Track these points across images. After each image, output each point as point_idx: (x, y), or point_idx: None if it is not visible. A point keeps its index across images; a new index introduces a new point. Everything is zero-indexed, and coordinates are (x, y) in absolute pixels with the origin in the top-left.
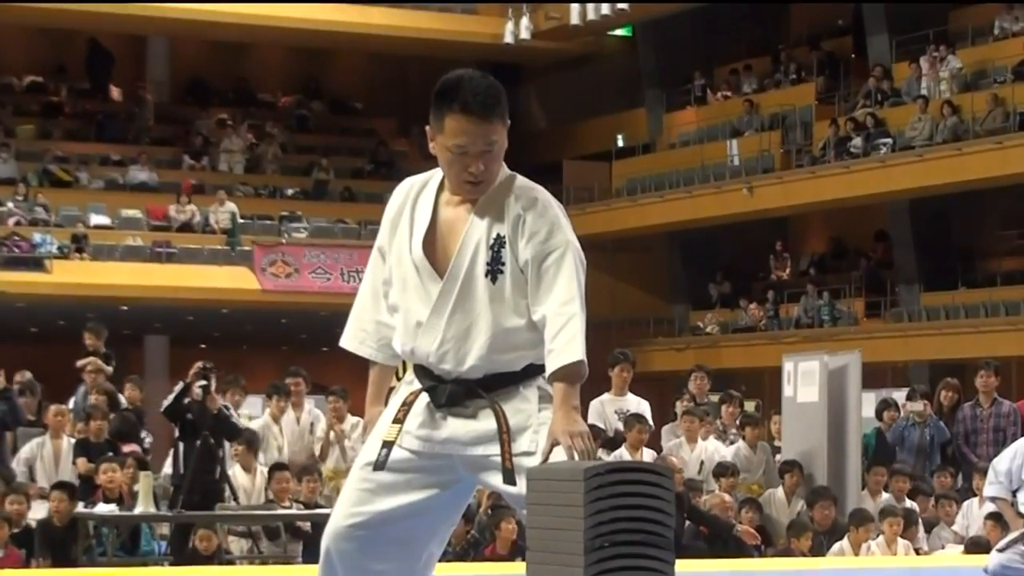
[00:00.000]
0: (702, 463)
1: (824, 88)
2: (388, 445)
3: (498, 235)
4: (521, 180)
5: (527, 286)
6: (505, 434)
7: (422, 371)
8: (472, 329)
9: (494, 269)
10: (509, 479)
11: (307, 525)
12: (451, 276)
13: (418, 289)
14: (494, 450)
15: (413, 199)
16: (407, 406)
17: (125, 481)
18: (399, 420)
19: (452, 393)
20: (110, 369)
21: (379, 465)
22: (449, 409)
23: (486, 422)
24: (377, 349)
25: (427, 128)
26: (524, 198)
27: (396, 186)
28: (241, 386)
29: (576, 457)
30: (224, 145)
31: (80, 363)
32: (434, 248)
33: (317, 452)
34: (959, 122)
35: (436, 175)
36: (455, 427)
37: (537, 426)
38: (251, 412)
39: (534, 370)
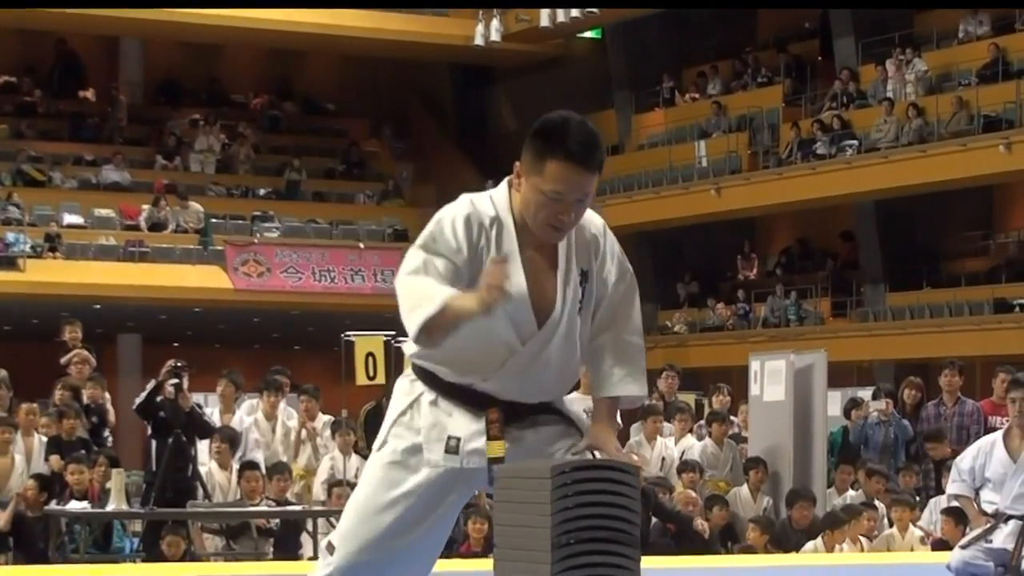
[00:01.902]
0: (663, 460)
1: (791, 90)
2: (496, 461)
3: (583, 271)
4: (590, 213)
5: (592, 315)
6: (578, 434)
7: (479, 396)
8: (553, 364)
9: (583, 306)
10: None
11: (276, 523)
12: (552, 321)
13: (507, 326)
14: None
15: (491, 234)
16: (494, 423)
17: (97, 479)
18: (497, 437)
19: (519, 412)
20: (95, 361)
21: (491, 481)
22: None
23: (547, 429)
24: None
25: (516, 164)
26: (595, 228)
27: (367, 187)
28: (233, 380)
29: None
30: (197, 145)
31: (65, 358)
32: (528, 289)
33: (288, 451)
34: (924, 124)
35: (500, 204)
36: (519, 437)
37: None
38: (211, 410)
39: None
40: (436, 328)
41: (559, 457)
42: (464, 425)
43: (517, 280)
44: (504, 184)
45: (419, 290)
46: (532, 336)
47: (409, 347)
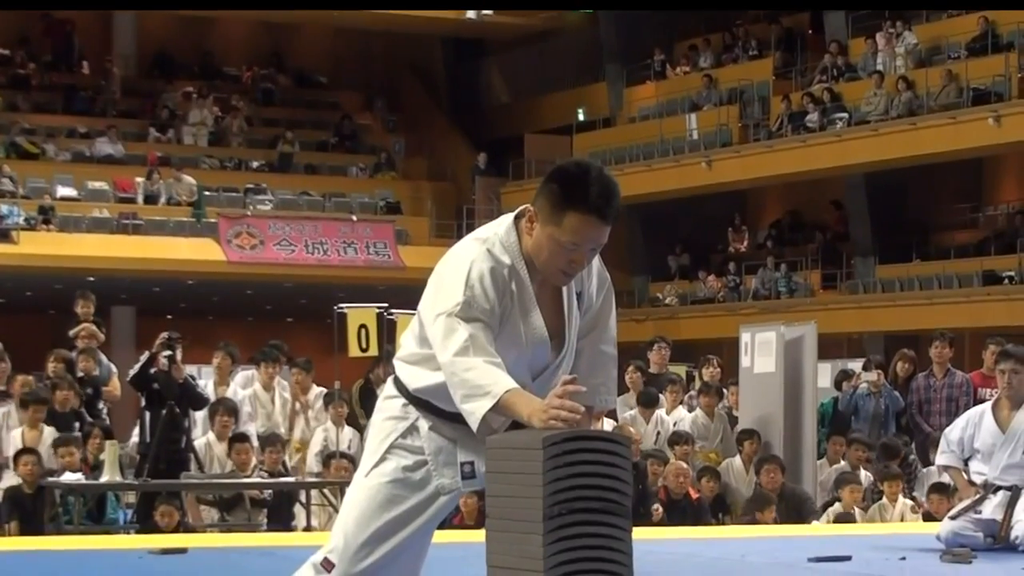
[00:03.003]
0: (658, 434)
1: (781, 63)
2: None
3: (577, 293)
4: None
5: None
6: None
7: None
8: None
9: (578, 325)
10: None
11: (268, 493)
12: (563, 352)
13: (524, 364)
14: None
15: (512, 286)
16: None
17: (92, 451)
18: None
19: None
20: (102, 336)
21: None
22: None
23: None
24: None
25: (530, 208)
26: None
27: (360, 159)
28: (229, 352)
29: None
30: (190, 118)
31: (73, 331)
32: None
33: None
34: (914, 97)
35: (512, 250)
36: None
37: None
38: (204, 382)
39: None
40: (491, 420)
41: None
42: (473, 447)
43: (537, 324)
44: (508, 223)
45: (472, 379)
46: (545, 370)
47: (408, 379)
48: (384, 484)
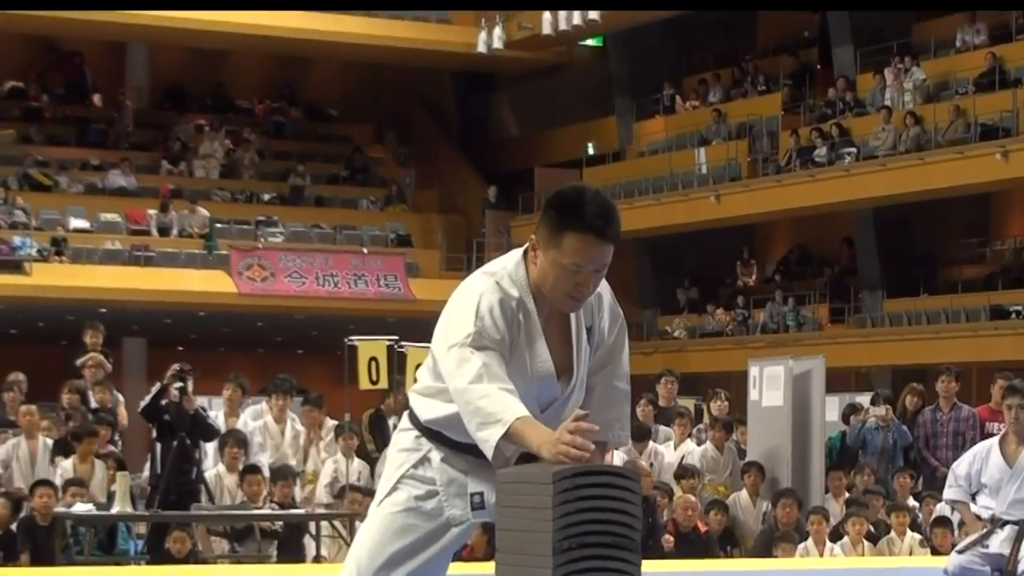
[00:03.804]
0: (651, 465)
1: (790, 98)
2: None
3: (587, 327)
4: None
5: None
6: None
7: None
8: (567, 416)
9: (587, 360)
10: None
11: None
12: (571, 387)
13: (532, 397)
14: None
15: (520, 317)
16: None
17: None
18: None
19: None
20: (110, 366)
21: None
22: None
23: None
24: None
25: (532, 237)
26: (602, 289)
27: (370, 192)
28: (239, 383)
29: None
30: (202, 150)
31: (80, 360)
32: (552, 362)
33: (297, 454)
34: (922, 132)
35: (520, 283)
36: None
37: None
38: (215, 413)
39: None
40: (504, 448)
41: None
42: (484, 478)
43: (543, 357)
44: (518, 257)
45: (485, 407)
46: (553, 403)
47: (421, 411)
48: (396, 513)
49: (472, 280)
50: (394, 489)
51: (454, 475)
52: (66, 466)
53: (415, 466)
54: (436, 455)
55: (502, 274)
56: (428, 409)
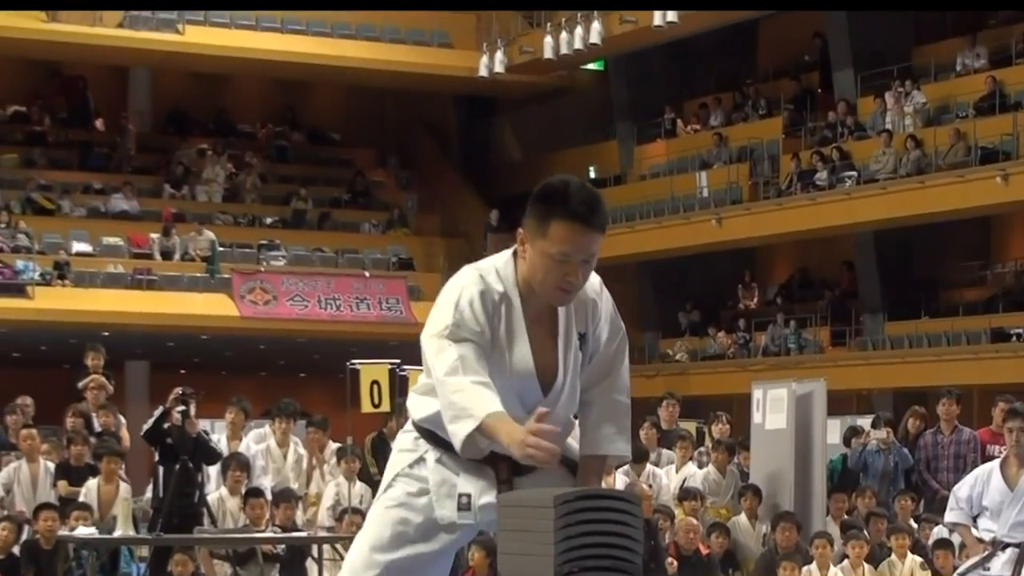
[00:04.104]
0: (651, 487)
1: (791, 122)
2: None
3: (580, 334)
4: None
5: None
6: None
7: (493, 457)
8: (557, 423)
9: (578, 367)
10: None
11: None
12: (556, 389)
13: (514, 396)
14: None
15: (502, 311)
16: (505, 483)
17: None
18: (506, 481)
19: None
20: (111, 388)
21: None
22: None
23: (551, 476)
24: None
25: (519, 231)
26: (592, 290)
27: (372, 216)
28: (242, 407)
29: None
30: (204, 174)
31: (82, 383)
32: (534, 362)
33: (300, 478)
34: (922, 156)
35: (507, 279)
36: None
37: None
38: (218, 437)
39: None
40: (478, 440)
41: None
42: (473, 481)
43: (524, 354)
44: (508, 255)
45: (458, 400)
46: (537, 405)
47: (415, 410)
48: (390, 508)
49: (459, 273)
50: (390, 486)
51: (447, 476)
52: (91, 485)
53: (411, 466)
54: (432, 456)
55: (488, 268)
56: (421, 407)
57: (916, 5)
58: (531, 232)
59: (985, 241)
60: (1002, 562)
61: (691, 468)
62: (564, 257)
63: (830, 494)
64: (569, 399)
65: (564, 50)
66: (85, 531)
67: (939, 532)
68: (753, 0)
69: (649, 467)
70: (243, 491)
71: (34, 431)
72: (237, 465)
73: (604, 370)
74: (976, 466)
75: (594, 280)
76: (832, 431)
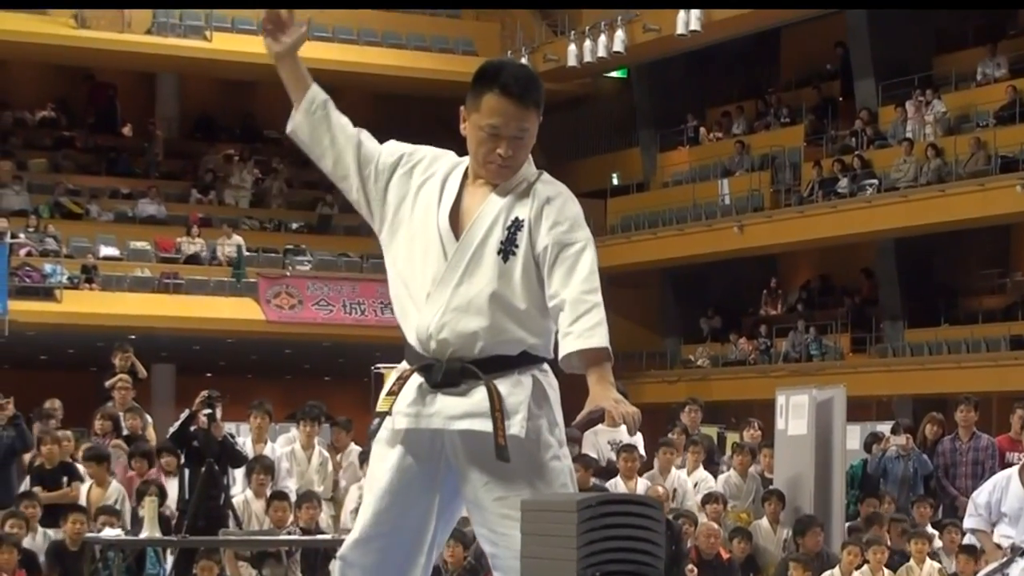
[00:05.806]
0: (674, 490)
1: (812, 130)
2: (381, 415)
3: (516, 218)
4: (548, 176)
5: (537, 274)
6: (498, 412)
7: (417, 354)
8: (475, 302)
9: (506, 249)
10: (502, 455)
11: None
12: (461, 247)
13: (429, 260)
14: (486, 427)
15: (444, 174)
16: (402, 380)
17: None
18: (394, 392)
19: (448, 372)
20: (143, 371)
21: (371, 434)
22: (442, 388)
23: (478, 399)
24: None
25: (461, 108)
26: (550, 189)
27: None
28: (265, 410)
29: (621, 422)
30: (231, 180)
31: (110, 382)
32: (455, 223)
33: (325, 481)
34: (943, 164)
35: (459, 167)
36: (446, 402)
37: (529, 414)
38: (243, 440)
39: (530, 359)
40: (287, 86)
41: (464, 430)
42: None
43: (440, 210)
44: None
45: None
46: (454, 254)
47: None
48: (377, 442)
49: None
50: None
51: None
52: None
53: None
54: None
55: (455, 155)
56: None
57: (939, 4)
58: (468, 108)
59: (1005, 249)
60: (1020, 568)
61: (702, 473)
62: (494, 130)
63: (860, 499)
64: (492, 272)
65: (588, 58)
66: (111, 533)
67: (967, 538)
68: None
69: (675, 472)
70: (268, 494)
71: (69, 433)
72: (261, 468)
73: (568, 270)
74: (994, 473)
75: (560, 186)
76: (852, 437)
